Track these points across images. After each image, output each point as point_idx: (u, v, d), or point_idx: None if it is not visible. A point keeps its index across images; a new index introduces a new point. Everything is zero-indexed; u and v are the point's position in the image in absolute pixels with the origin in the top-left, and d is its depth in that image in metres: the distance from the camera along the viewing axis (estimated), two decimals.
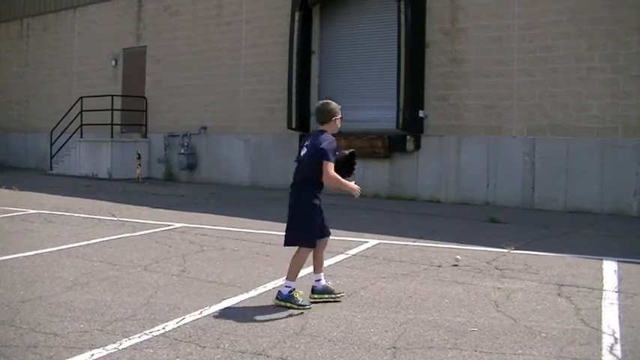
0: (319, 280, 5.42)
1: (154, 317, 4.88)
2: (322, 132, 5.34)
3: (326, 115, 5.37)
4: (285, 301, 5.14)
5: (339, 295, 5.41)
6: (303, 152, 5.33)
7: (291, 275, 5.26)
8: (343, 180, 5.27)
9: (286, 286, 5.20)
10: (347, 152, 5.47)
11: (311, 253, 5.38)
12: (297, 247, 5.30)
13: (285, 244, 5.38)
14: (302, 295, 5.19)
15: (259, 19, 16.16)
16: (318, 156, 5.16)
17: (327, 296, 5.36)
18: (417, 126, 13.27)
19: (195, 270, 6.56)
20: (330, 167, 5.15)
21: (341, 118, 5.45)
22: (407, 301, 5.47)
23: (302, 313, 5.04)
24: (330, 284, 5.51)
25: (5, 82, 23.99)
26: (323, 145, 5.16)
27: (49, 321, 4.74)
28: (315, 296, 5.36)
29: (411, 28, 13.05)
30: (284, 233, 5.36)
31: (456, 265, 6.82)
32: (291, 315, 5.01)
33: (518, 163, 12.25)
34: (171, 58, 18.12)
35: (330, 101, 5.46)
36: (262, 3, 16.12)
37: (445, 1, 13.11)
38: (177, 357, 4.07)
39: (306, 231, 5.25)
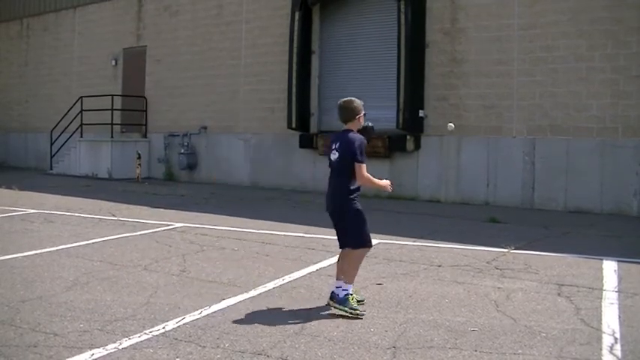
0: (340, 287, 5.21)
1: (154, 317, 4.88)
2: (348, 131, 5.19)
3: (350, 113, 5.23)
4: (339, 303, 4.96)
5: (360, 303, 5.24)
6: (334, 157, 5.18)
7: (350, 277, 5.10)
8: (375, 180, 5.23)
9: (343, 289, 5.02)
10: (366, 126, 5.36)
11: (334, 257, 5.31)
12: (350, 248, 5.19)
13: (342, 247, 5.28)
14: (356, 299, 5.05)
15: (259, 19, 16.16)
16: (350, 158, 5.06)
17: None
18: (417, 126, 13.27)
19: (195, 270, 6.56)
20: (362, 169, 5.07)
21: (365, 114, 5.30)
22: (407, 300, 5.47)
23: (357, 317, 4.90)
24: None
25: (5, 82, 23.98)
26: (355, 148, 5.06)
27: (49, 321, 4.74)
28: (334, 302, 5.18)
29: (411, 28, 13.04)
30: (335, 238, 5.32)
31: (451, 127, 6.57)
32: (291, 315, 5.01)
33: (518, 163, 12.25)
34: (171, 58, 18.11)
35: (353, 99, 5.29)
36: (262, 3, 16.12)
37: (445, 1, 13.11)
38: (177, 357, 4.07)
39: (358, 235, 5.14)
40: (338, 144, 5.18)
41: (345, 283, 5.07)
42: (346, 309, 4.93)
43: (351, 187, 5.13)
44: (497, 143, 12.53)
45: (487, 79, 12.59)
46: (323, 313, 5.07)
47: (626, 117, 11.18)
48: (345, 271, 5.15)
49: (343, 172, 5.13)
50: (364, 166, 5.10)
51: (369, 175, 5.15)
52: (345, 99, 5.32)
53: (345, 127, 5.26)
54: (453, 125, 6.53)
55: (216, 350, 4.19)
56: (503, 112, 12.43)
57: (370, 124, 5.51)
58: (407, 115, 13.03)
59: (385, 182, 5.33)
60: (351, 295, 5.01)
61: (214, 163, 17.04)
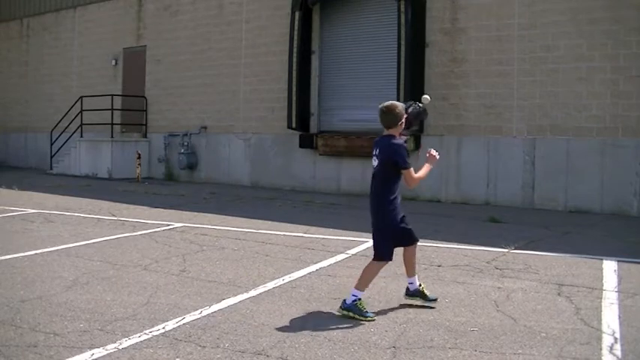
0: (412, 282, 5.29)
1: (154, 317, 4.88)
2: (389, 137, 5.06)
3: (392, 119, 5.04)
4: (348, 310, 4.92)
5: (430, 301, 5.24)
6: (375, 163, 5.11)
7: (361, 285, 5.06)
8: (425, 172, 5.15)
9: (352, 295, 4.97)
10: (419, 108, 5.27)
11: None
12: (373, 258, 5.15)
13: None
14: (365, 305, 4.98)
15: (259, 18, 16.16)
16: (393, 166, 4.99)
17: (419, 299, 5.26)
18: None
19: (195, 270, 6.56)
20: (411, 173, 5.00)
21: (407, 118, 5.14)
22: (407, 300, 5.47)
23: (363, 323, 4.82)
24: (422, 287, 5.32)
25: (5, 82, 23.99)
26: (397, 156, 4.96)
27: (49, 320, 4.74)
28: (408, 298, 5.30)
29: (411, 28, 13.04)
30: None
31: (426, 99, 6.24)
32: (291, 315, 5.01)
33: (518, 163, 12.25)
34: (172, 58, 18.12)
35: (396, 103, 5.13)
36: (262, 3, 16.12)
37: (445, 1, 13.11)
38: (177, 357, 4.06)
39: (381, 245, 5.10)
40: (378, 150, 5.09)
41: (357, 289, 5.04)
42: (356, 315, 4.89)
43: (390, 197, 5.05)
44: (497, 143, 12.53)
45: (487, 79, 12.58)
46: (326, 312, 5.07)
47: (626, 117, 11.18)
48: (361, 278, 5.13)
49: (382, 180, 5.08)
50: (412, 170, 5.01)
51: (418, 175, 5.07)
52: (387, 103, 5.11)
53: (387, 132, 5.10)
54: (428, 97, 6.27)
55: (216, 350, 4.19)
56: (503, 112, 12.43)
57: (421, 105, 5.35)
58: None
59: (429, 164, 5.20)
60: (360, 300, 4.97)
61: (214, 163, 17.04)
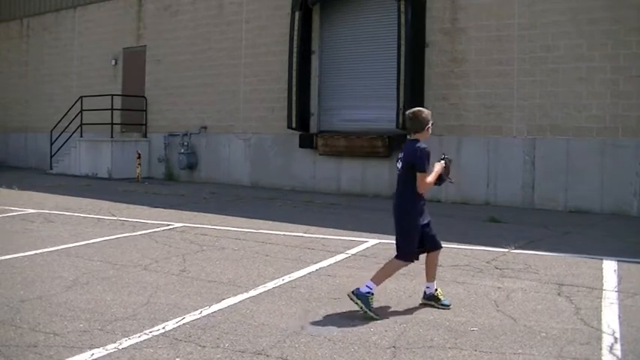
0: (429, 287, 5.35)
1: (154, 317, 4.88)
2: (414, 142, 5.25)
3: (418, 123, 5.27)
4: (358, 297, 5.00)
5: (443, 306, 5.24)
6: (399, 166, 5.27)
7: (377, 279, 5.17)
8: (434, 176, 5.26)
9: (367, 286, 5.07)
10: (443, 161, 5.40)
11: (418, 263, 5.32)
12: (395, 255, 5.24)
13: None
14: (374, 302, 5.04)
15: (259, 18, 16.16)
16: (412, 168, 5.12)
17: (433, 303, 5.29)
18: None
19: (195, 270, 6.56)
20: (423, 177, 5.11)
21: (433, 123, 5.27)
22: (407, 300, 5.48)
23: (370, 319, 4.87)
24: (438, 293, 5.33)
25: (5, 82, 23.98)
26: (417, 158, 5.11)
27: (49, 320, 4.74)
28: (424, 301, 5.35)
29: (411, 28, 13.04)
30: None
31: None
32: (291, 315, 5.01)
33: (518, 163, 12.25)
34: (171, 58, 18.11)
35: (422, 109, 5.38)
36: (262, 3, 16.12)
37: (445, 1, 13.11)
38: (177, 357, 4.07)
39: (403, 245, 5.20)
40: (402, 154, 5.25)
41: (372, 281, 5.13)
42: (362, 306, 4.96)
43: (413, 199, 5.18)
44: (497, 143, 12.53)
45: (487, 79, 12.58)
46: (326, 313, 5.08)
47: (626, 117, 11.18)
48: (379, 272, 5.23)
49: (405, 182, 5.20)
50: (425, 174, 5.12)
51: (430, 181, 5.17)
52: (414, 109, 5.38)
53: (413, 136, 5.29)
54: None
55: (216, 350, 4.19)
56: (503, 112, 12.43)
57: (446, 156, 5.51)
58: None
59: (438, 170, 5.34)
60: (373, 295, 5.03)
61: (214, 163, 17.04)
